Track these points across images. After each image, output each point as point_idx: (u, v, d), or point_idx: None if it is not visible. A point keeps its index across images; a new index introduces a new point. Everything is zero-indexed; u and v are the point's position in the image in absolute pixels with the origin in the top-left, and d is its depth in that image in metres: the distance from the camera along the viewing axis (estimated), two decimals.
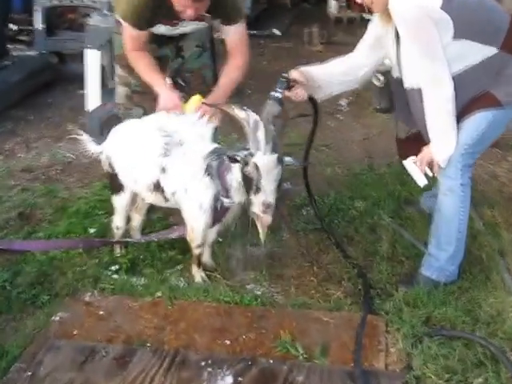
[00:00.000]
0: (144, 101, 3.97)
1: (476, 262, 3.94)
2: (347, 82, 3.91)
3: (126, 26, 3.76)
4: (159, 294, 3.65)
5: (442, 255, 3.69)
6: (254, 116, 3.17)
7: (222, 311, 3.51)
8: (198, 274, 3.79)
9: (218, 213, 3.52)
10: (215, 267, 3.92)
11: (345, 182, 5.11)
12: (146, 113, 4.08)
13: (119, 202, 3.86)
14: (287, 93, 3.65)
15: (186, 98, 3.86)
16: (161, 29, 3.90)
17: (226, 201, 3.45)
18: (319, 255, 4.12)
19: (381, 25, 3.57)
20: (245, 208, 3.46)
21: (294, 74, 3.69)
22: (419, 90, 3.40)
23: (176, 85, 4.33)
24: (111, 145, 3.77)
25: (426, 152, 3.48)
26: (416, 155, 3.88)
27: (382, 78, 6.42)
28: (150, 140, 3.61)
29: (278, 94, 3.54)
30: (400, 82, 3.62)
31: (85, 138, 3.89)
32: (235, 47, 3.93)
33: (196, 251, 3.71)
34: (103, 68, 5.87)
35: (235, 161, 3.21)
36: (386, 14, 3.40)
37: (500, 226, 4.36)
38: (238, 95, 6.51)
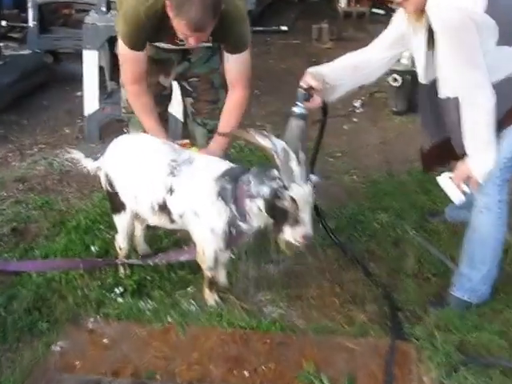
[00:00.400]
0: None
1: (508, 280, 3.77)
2: (360, 77, 3.68)
3: (124, 49, 3.58)
4: (169, 319, 3.48)
5: (474, 275, 3.54)
6: (280, 144, 2.96)
7: (238, 338, 3.34)
8: (210, 298, 3.61)
9: (232, 237, 3.34)
10: (228, 287, 3.75)
11: (363, 191, 4.95)
12: None
13: (120, 222, 3.69)
14: (307, 104, 3.44)
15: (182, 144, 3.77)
16: (163, 45, 3.75)
17: (243, 226, 3.27)
18: (339, 273, 3.96)
19: (408, 24, 3.39)
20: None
21: (309, 81, 3.46)
22: (455, 100, 3.21)
23: (182, 89, 4.19)
24: (110, 160, 3.59)
25: (463, 167, 3.29)
26: (440, 167, 3.79)
27: (399, 78, 6.33)
28: (155, 156, 3.45)
29: (301, 110, 3.35)
30: (427, 89, 3.45)
31: (79, 155, 3.74)
32: (236, 79, 3.75)
33: (208, 273, 3.55)
34: (102, 69, 5.70)
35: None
36: (418, 14, 3.21)
37: None
38: None
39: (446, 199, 4.55)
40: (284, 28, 9.98)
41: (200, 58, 4.02)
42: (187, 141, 3.97)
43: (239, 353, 3.25)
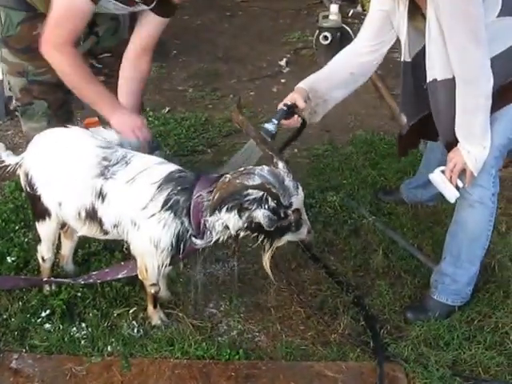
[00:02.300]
0: (47, 92, 3.07)
1: (487, 275, 3.25)
2: (355, 83, 3.13)
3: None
4: (109, 348, 2.77)
5: (460, 275, 2.99)
6: (265, 170, 2.47)
7: (197, 371, 2.67)
8: (155, 316, 2.93)
9: (181, 253, 2.68)
10: (172, 299, 3.09)
11: (308, 167, 4.30)
12: (50, 106, 3.20)
13: (44, 230, 2.93)
14: (284, 122, 2.94)
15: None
16: (109, 5, 2.93)
17: (198, 242, 2.61)
18: (299, 273, 3.33)
19: None
20: None
21: (297, 100, 2.90)
22: (444, 82, 2.65)
23: (93, 69, 3.37)
24: (31, 157, 2.82)
25: (456, 159, 2.72)
26: (413, 148, 3.44)
27: (329, 35, 5.66)
28: (82, 153, 2.71)
29: (272, 128, 2.85)
30: (410, 67, 2.89)
31: None
32: (150, 46, 3.12)
33: (151, 290, 2.86)
34: None
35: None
36: None
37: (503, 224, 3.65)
38: (163, 58, 5.60)
39: (398, 174, 4.04)
40: None
41: (107, 29, 3.28)
42: (95, 119, 3.18)
43: None
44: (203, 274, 3.21)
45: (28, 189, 2.83)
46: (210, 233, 2.54)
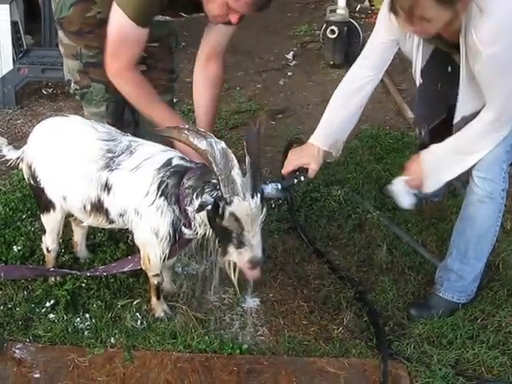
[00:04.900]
0: (103, 74, 2.90)
1: (491, 273, 3.16)
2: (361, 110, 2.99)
3: (129, 27, 2.68)
4: (112, 340, 2.70)
5: (467, 272, 2.91)
6: (220, 146, 2.25)
7: (199, 365, 2.59)
8: (158, 307, 2.86)
9: (177, 243, 2.61)
10: (176, 291, 3.01)
11: None
12: (108, 89, 3.05)
13: (49, 221, 2.86)
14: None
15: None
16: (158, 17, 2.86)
17: (187, 232, 2.54)
18: (302, 267, 3.24)
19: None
20: None
21: (310, 163, 2.94)
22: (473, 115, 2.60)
23: None
24: (34, 149, 2.76)
25: (418, 170, 2.75)
26: None
27: (336, 29, 5.55)
28: (86, 146, 2.64)
29: (268, 190, 2.71)
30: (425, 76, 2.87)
31: (1, 141, 2.90)
32: (216, 52, 3.02)
33: (154, 281, 2.79)
34: (15, 25, 4.68)
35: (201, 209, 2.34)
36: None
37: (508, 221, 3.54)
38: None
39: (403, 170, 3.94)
40: None
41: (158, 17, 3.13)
42: None
43: None
44: (204, 264, 3.12)
45: (32, 181, 2.77)
46: (195, 224, 2.47)
